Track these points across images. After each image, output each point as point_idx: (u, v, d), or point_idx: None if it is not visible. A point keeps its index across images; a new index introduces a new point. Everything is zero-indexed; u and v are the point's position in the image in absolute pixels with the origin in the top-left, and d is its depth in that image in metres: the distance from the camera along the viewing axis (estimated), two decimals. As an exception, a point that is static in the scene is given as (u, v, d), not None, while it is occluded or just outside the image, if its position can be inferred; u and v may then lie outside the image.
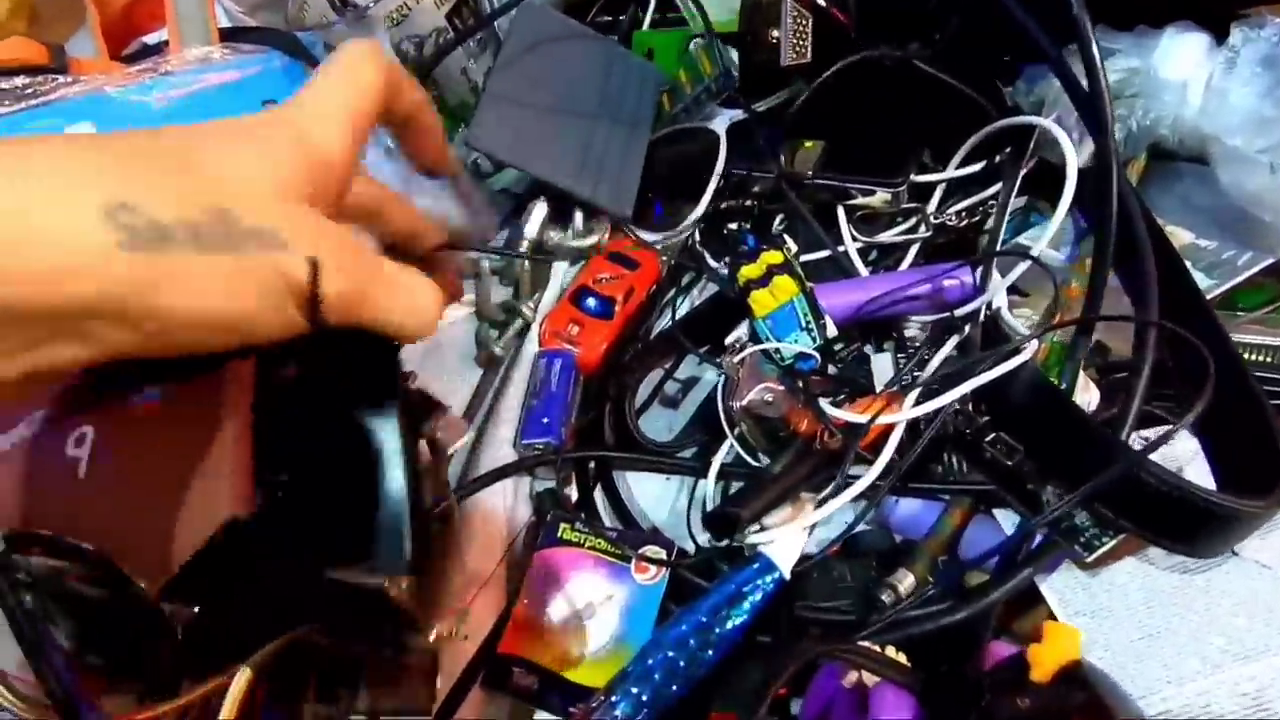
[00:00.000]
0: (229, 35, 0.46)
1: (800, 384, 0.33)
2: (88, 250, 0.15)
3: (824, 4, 0.36)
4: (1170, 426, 0.27)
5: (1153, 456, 0.26)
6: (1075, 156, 0.34)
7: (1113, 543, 0.25)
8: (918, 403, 0.31)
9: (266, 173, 0.18)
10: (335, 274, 0.18)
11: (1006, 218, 0.39)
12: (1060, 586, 0.28)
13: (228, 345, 0.18)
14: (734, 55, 0.45)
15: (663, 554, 0.30)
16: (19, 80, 0.35)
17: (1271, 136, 0.34)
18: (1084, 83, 0.33)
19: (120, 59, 0.47)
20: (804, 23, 0.37)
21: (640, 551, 0.30)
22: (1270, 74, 0.35)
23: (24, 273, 0.15)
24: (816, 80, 0.38)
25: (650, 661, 0.26)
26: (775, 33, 0.37)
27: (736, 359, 0.34)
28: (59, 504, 0.23)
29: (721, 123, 0.45)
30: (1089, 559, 0.26)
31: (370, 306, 0.19)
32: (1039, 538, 0.28)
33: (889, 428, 0.31)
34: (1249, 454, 0.26)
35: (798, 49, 0.37)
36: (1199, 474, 0.28)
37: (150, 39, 0.49)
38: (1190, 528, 0.24)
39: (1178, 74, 0.37)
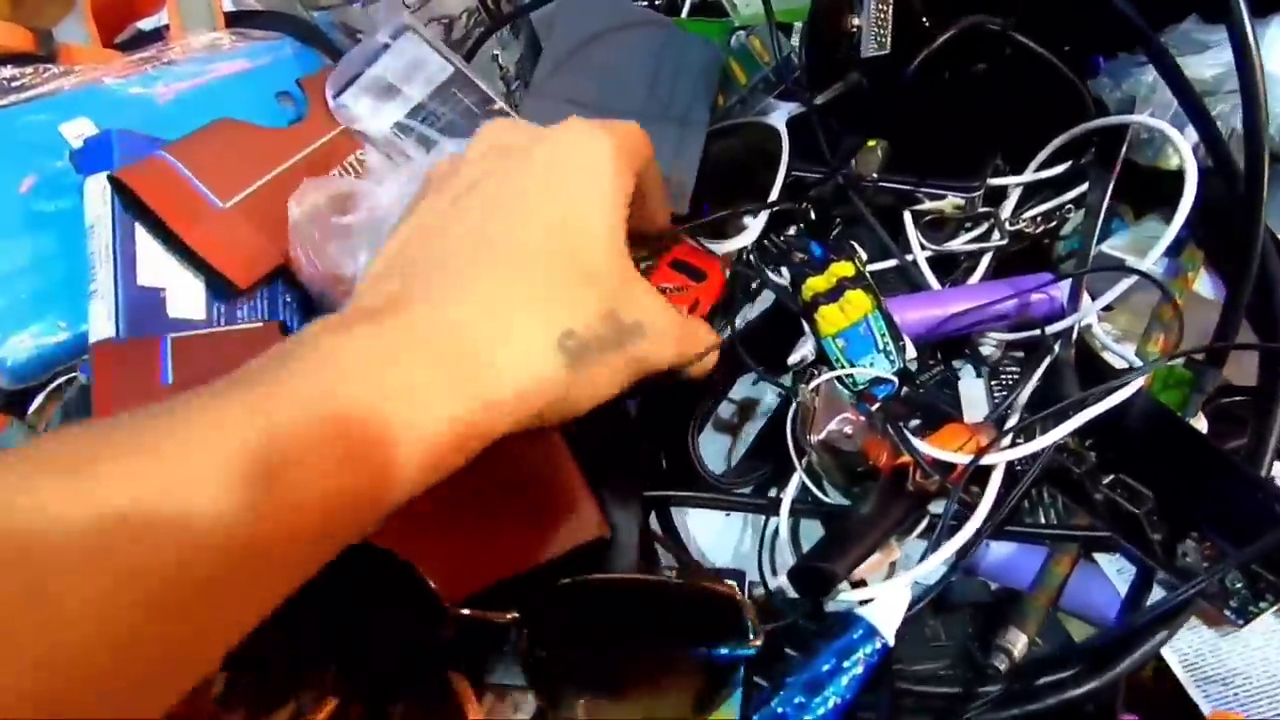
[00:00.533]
0: (234, 20, 0.42)
1: (882, 415, 0.30)
2: (546, 374, 0.19)
3: None
4: None
5: None
6: (1194, 163, 0.31)
7: (1273, 608, 0.22)
8: (1016, 435, 0.28)
9: (620, 260, 0.21)
10: (668, 349, 0.22)
11: (1097, 227, 0.35)
12: (1184, 647, 0.25)
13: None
14: (793, 42, 0.41)
15: (735, 586, 0.27)
16: (7, 71, 0.32)
17: (1400, 139, 0.31)
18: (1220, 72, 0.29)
19: (114, 47, 0.43)
20: (885, 10, 0.33)
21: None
22: (1397, 69, 0.31)
23: (490, 411, 0.18)
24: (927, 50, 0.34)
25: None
26: (856, 20, 0.33)
27: (811, 386, 0.31)
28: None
29: (780, 117, 0.41)
30: (1241, 624, 0.23)
31: (677, 363, 0.23)
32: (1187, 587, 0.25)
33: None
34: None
35: (879, 39, 0.33)
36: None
37: (145, 24, 0.45)
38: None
39: (1288, 69, 0.34)
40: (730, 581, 0.23)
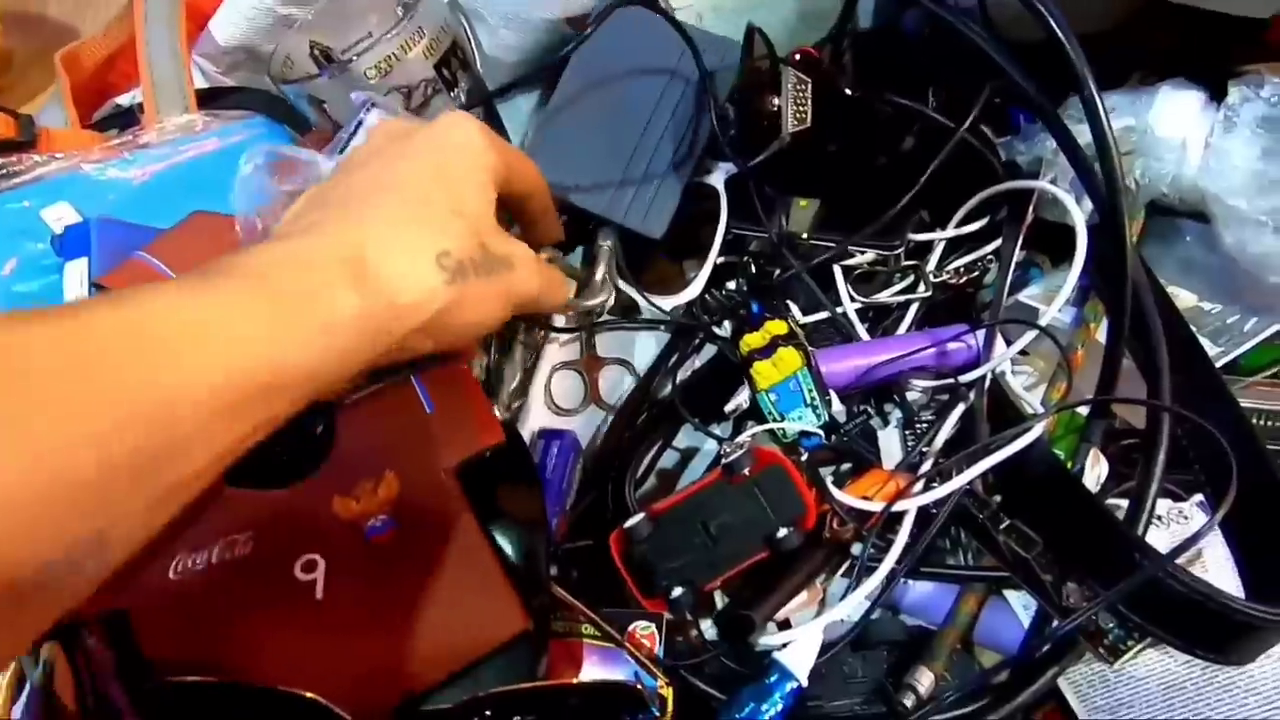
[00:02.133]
0: (206, 96, 0.45)
1: (808, 466, 0.32)
2: (426, 288, 0.23)
3: (830, 74, 0.36)
4: (1189, 528, 0.27)
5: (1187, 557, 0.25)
6: (1084, 225, 0.34)
7: (1139, 647, 0.25)
8: (928, 483, 0.31)
9: (487, 207, 0.26)
10: (533, 280, 0.26)
11: (1009, 280, 0.38)
12: (1079, 681, 0.27)
13: (469, 344, 0.27)
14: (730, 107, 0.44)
15: (652, 628, 0.29)
16: (-11, 162, 0.34)
17: (1275, 198, 0.34)
18: (1083, 150, 0.32)
19: (92, 124, 0.46)
20: (804, 89, 0.36)
21: (630, 630, 0.29)
22: (1271, 134, 0.34)
23: (390, 309, 0.22)
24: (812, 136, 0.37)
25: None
26: (776, 100, 0.36)
27: (741, 439, 0.33)
28: (295, 622, 0.25)
29: (719, 177, 0.44)
30: (1114, 664, 0.25)
31: (541, 300, 0.27)
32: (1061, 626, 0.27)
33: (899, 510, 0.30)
34: (1278, 555, 0.25)
35: (799, 115, 0.36)
36: (1218, 559, 0.27)
37: (123, 99, 0.48)
38: (1220, 637, 0.23)
39: (1175, 132, 0.37)
40: (624, 678, 0.24)
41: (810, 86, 0.36)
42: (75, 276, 0.31)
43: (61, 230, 0.32)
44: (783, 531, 0.27)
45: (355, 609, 0.26)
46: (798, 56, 0.39)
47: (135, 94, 0.47)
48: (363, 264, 0.22)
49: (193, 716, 0.22)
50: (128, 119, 0.45)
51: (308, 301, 0.20)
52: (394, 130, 0.28)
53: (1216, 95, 0.37)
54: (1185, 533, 0.29)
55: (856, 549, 0.31)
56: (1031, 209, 0.39)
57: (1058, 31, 0.30)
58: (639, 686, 0.24)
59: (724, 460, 0.30)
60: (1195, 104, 0.37)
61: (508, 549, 0.26)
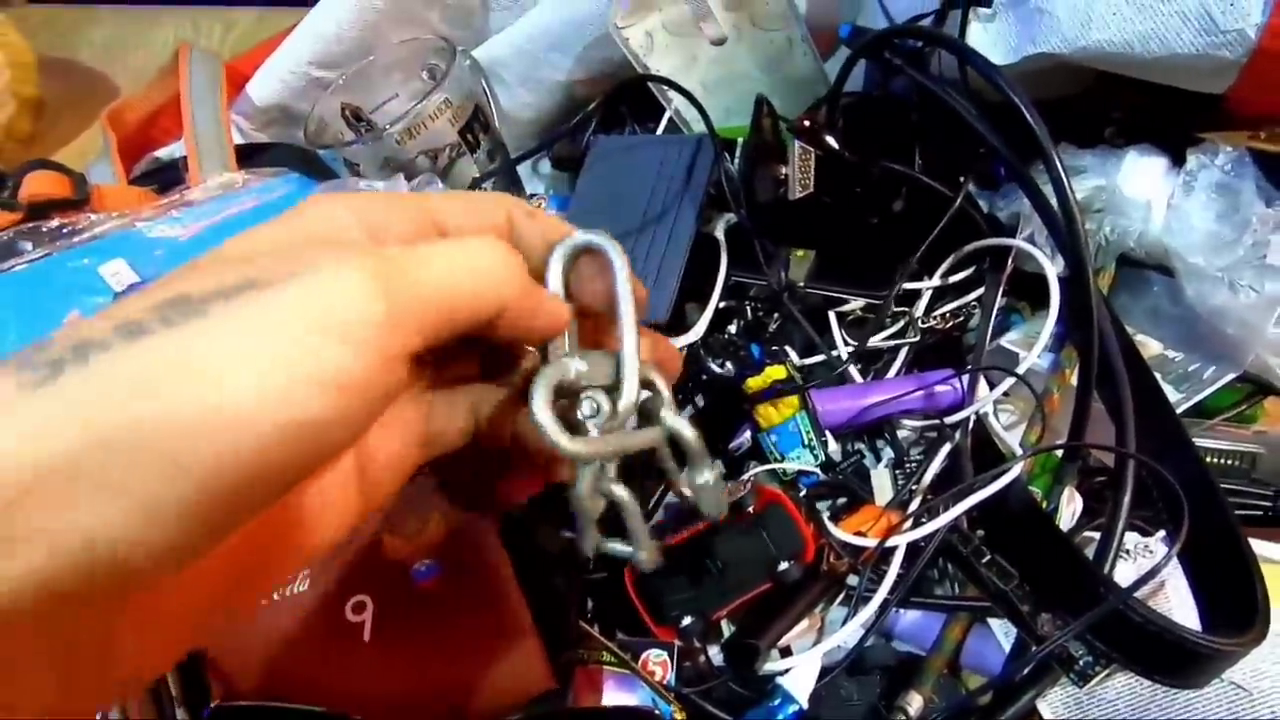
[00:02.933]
0: (246, 153, 0.48)
1: (807, 503, 0.35)
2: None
3: (833, 144, 0.39)
4: (1153, 562, 0.30)
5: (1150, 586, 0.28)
6: (1056, 278, 0.37)
7: (1105, 673, 0.27)
8: (917, 519, 0.34)
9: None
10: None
11: (990, 328, 0.41)
12: (1055, 702, 0.30)
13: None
14: (729, 159, 0.47)
15: (665, 656, 0.31)
16: (54, 222, 0.37)
17: (1229, 257, 0.37)
18: (1056, 211, 0.35)
19: (133, 178, 0.49)
20: (807, 158, 0.39)
21: (643, 658, 0.31)
22: (1224, 199, 0.38)
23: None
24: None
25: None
26: (784, 169, 0.39)
27: (744, 478, 0.36)
28: (344, 661, 0.27)
29: (719, 227, 0.48)
30: (1083, 688, 0.28)
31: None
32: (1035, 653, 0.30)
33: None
34: (1229, 589, 0.28)
35: (803, 182, 0.40)
36: (1180, 593, 0.30)
37: (162, 153, 0.51)
38: (1175, 664, 0.26)
39: (1141, 193, 0.40)
40: (642, 703, 0.26)
41: (813, 155, 0.40)
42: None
43: (122, 288, 0.35)
44: (784, 565, 0.30)
45: (399, 652, 0.28)
46: (806, 123, 0.42)
47: (173, 148, 0.50)
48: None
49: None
50: (169, 173, 0.48)
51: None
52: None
53: (1178, 160, 0.40)
54: (1150, 565, 0.32)
55: (852, 580, 0.34)
56: (1010, 261, 0.42)
57: (1024, 111, 0.33)
58: (657, 712, 0.27)
59: (730, 499, 0.33)
60: (1159, 168, 0.40)
61: (540, 599, 0.28)
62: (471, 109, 0.45)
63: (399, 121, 0.42)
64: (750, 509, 0.31)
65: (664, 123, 0.49)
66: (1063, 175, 0.32)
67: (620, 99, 0.51)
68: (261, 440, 0.12)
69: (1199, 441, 0.37)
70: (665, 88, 0.47)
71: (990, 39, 0.39)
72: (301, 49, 0.46)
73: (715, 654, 0.34)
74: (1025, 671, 0.29)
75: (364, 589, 0.29)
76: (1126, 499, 0.29)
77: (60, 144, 0.72)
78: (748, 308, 0.46)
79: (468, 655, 0.28)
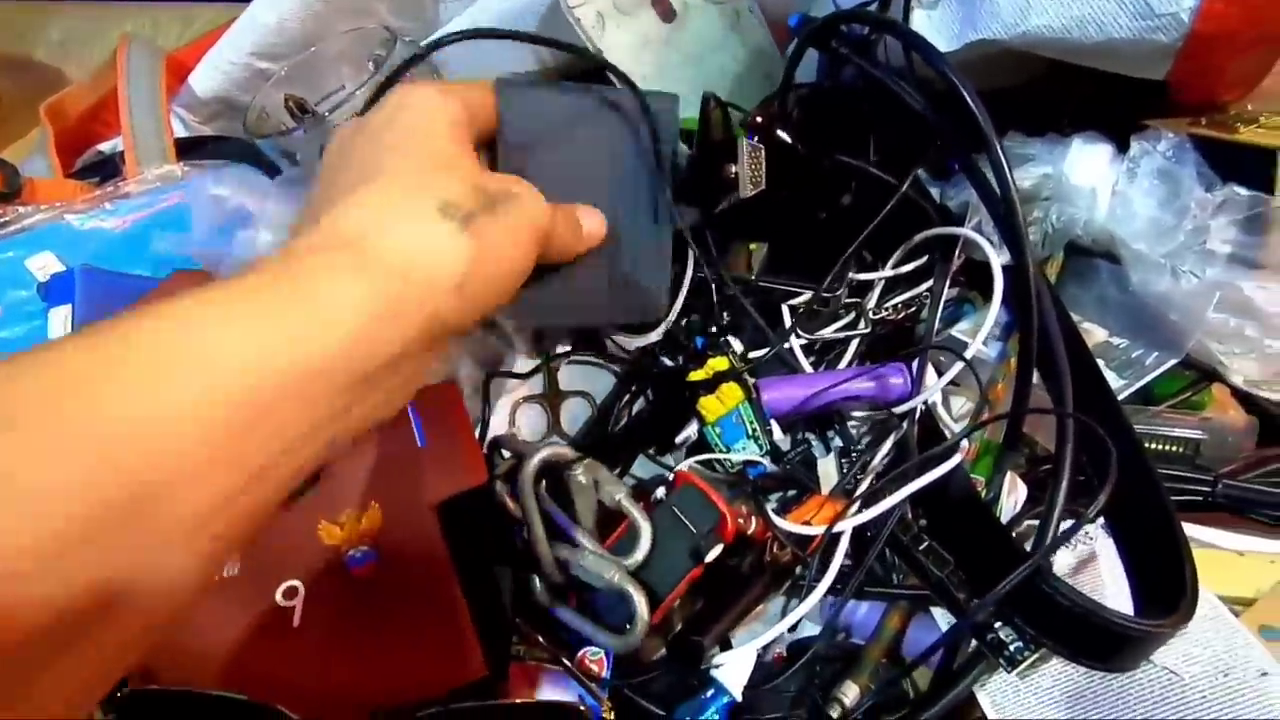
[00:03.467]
0: (186, 145, 0.47)
1: (750, 492, 0.35)
2: (440, 247, 0.22)
3: (785, 139, 0.39)
4: (1091, 548, 0.29)
5: (1079, 573, 0.28)
6: (999, 266, 0.37)
7: (1034, 657, 0.27)
8: (862, 507, 0.33)
9: (467, 154, 0.26)
10: (540, 205, 0.26)
11: (938, 317, 0.41)
12: (993, 690, 0.30)
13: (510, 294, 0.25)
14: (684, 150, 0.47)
15: (601, 653, 0.31)
16: (-22, 216, 0.36)
17: (1172, 243, 0.37)
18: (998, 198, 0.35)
19: (75, 170, 0.48)
20: (758, 155, 0.39)
21: (580, 655, 0.31)
22: (1166, 185, 0.38)
23: (407, 284, 0.21)
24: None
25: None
26: (733, 168, 0.39)
27: (681, 467, 0.35)
28: (271, 646, 0.27)
29: (682, 223, 0.47)
30: (1012, 673, 0.27)
31: (558, 231, 0.29)
32: (974, 644, 0.30)
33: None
34: (1159, 571, 0.28)
35: (754, 180, 0.39)
36: (1116, 578, 0.30)
37: (105, 147, 0.50)
38: (1102, 647, 0.26)
39: (1087, 180, 0.40)
40: (573, 700, 0.26)
41: (764, 152, 0.40)
42: (59, 322, 0.33)
43: (46, 278, 0.34)
44: (703, 543, 0.29)
45: (328, 638, 0.27)
46: (759, 120, 0.42)
47: (117, 142, 0.49)
48: (361, 248, 0.20)
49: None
50: (109, 167, 0.47)
51: (300, 299, 0.18)
52: (346, 132, 0.27)
53: (1123, 147, 0.40)
54: (1089, 553, 0.32)
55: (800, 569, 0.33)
56: (959, 250, 0.42)
57: (966, 97, 0.33)
58: (582, 708, 0.26)
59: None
60: (1104, 155, 0.40)
61: (477, 591, 0.28)
62: (415, 99, 0.44)
63: (339, 109, 0.41)
64: (663, 494, 0.31)
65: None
66: (1003, 161, 0.32)
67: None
68: None
69: (1146, 428, 0.37)
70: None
71: (933, 26, 0.39)
72: (243, 40, 0.46)
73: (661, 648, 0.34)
74: (960, 658, 0.28)
75: (295, 573, 0.28)
76: (1068, 459, 0.29)
77: (11, 139, 0.70)
78: (703, 302, 0.46)
79: (398, 642, 0.28)
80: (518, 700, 0.27)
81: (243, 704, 0.24)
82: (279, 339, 0.18)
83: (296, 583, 0.28)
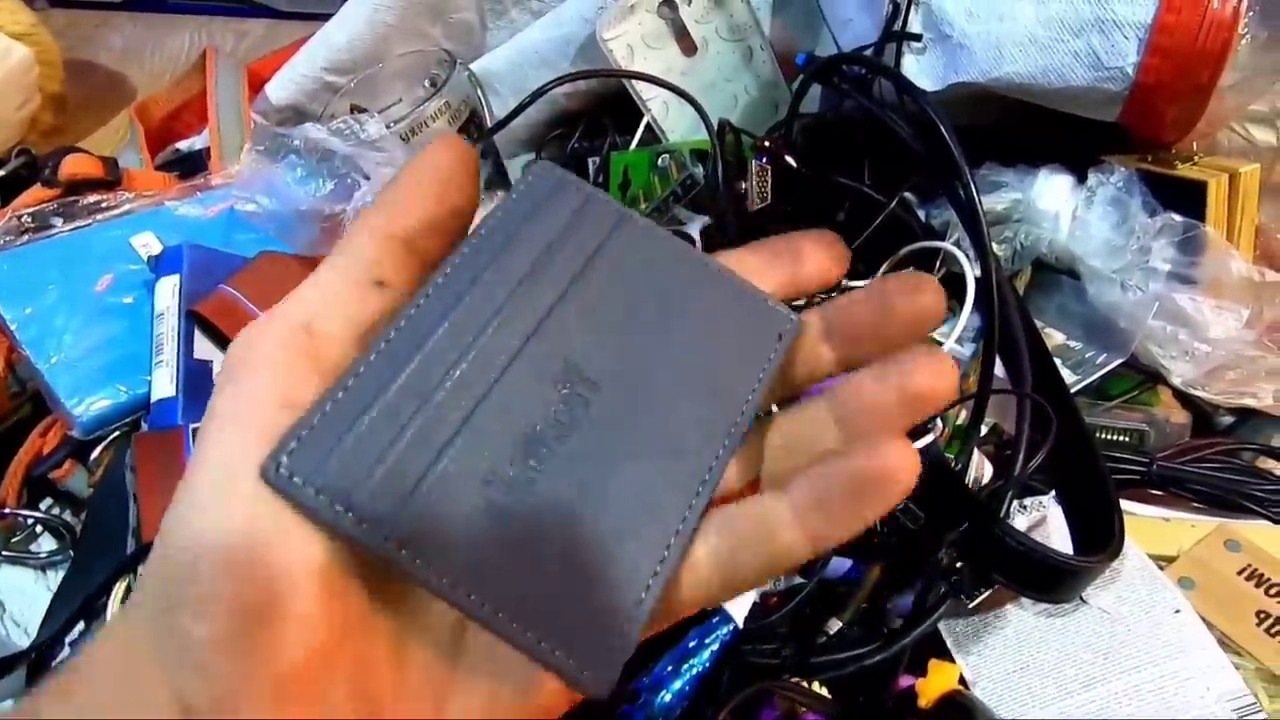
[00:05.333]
0: (260, 146, 0.53)
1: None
2: None
3: (790, 162, 0.45)
4: (1044, 514, 0.35)
5: (1035, 527, 0.33)
6: (972, 275, 0.43)
7: (988, 592, 0.32)
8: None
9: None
10: None
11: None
12: (955, 629, 0.35)
13: None
14: (701, 168, 0.53)
15: None
16: (91, 198, 0.42)
17: (1121, 261, 0.43)
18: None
19: (156, 166, 0.54)
20: (764, 174, 0.45)
21: None
22: (1117, 211, 0.44)
23: None
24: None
25: (622, 712, 0.32)
26: (743, 184, 0.45)
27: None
28: None
29: (695, 227, 0.53)
30: (970, 605, 0.33)
31: None
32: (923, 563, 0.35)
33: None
34: (1095, 520, 0.33)
35: (760, 194, 0.45)
36: (1059, 526, 0.36)
37: (183, 145, 0.56)
38: (1044, 580, 0.31)
39: (1051, 206, 0.46)
40: None
41: (770, 171, 0.46)
42: (168, 289, 0.38)
43: (154, 253, 0.40)
44: None
45: None
46: (766, 143, 0.48)
47: (194, 141, 0.56)
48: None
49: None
50: (189, 163, 0.53)
51: None
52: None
53: (1082, 178, 0.46)
54: (1040, 518, 0.37)
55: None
56: (940, 263, 0.48)
57: (942, 129, 0.39)
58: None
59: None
60: (1066, 184, 0.46)
61: None
62: (467, 114, 0.50)
63: (403, 120, 0.47)
64: None
65: (639, 132, 0.55)
66: (970, 182, 0.38)
67: (604, 110, 0.56)
68: None
69: (1098, 420, 0.43)
70: (646, 99, 0.53)
71: (921, 68, 0.46)
72: (316, 55, 0.52)
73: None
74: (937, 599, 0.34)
75: None
76: (1025, 432, 0.34)
77: (79, 138, 0.76)
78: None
79: None
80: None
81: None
82: None
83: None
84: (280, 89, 0.53)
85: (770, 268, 0.20)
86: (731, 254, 0.20)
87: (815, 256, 0.20)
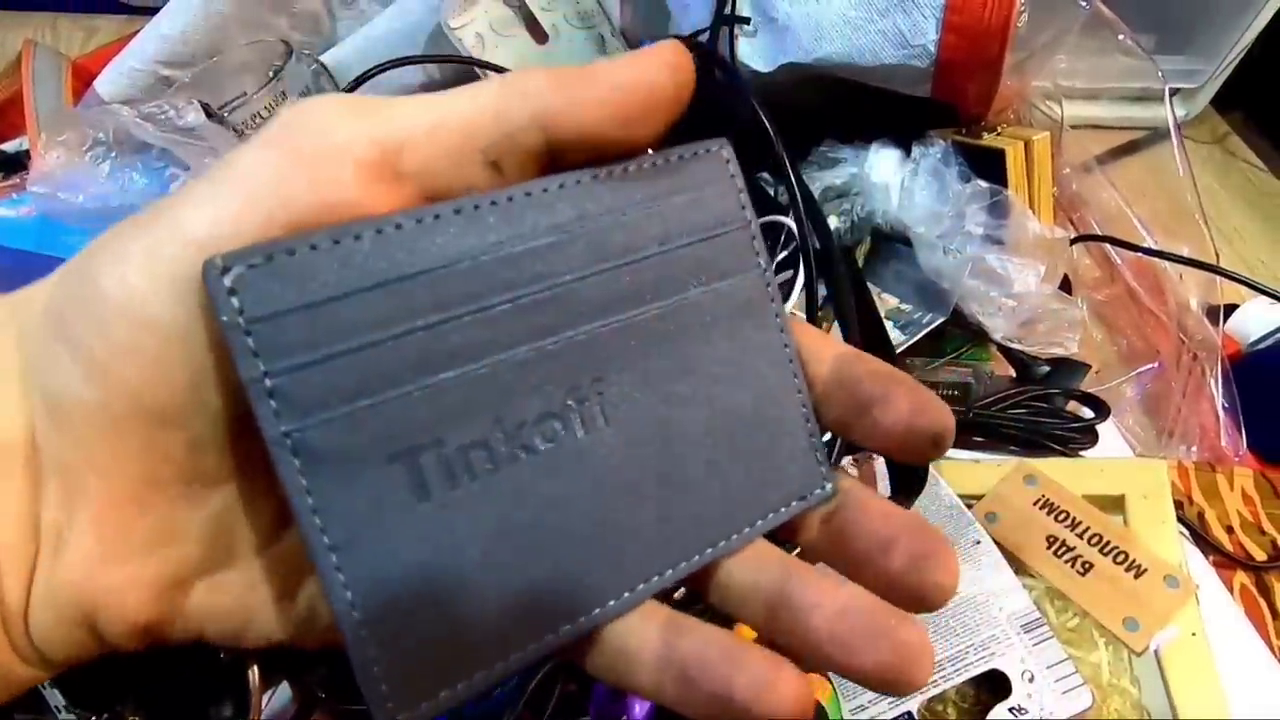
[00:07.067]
0: (92, 145, 0.50)
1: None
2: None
3: None
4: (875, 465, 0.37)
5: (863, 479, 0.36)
6: (806, 245, 0.45)
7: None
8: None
9: (377, 200, 0.14)
10: None
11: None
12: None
13: None
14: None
15: None
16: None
17: (943, 227, 0.46)
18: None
19: (-21, 168, 0.50)
20: None
21: None
22: (938, 181, 0.47)
23: None
24: None
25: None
26: None
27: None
28: None
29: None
30: (794, 554, 0.35)
31: None
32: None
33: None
34: (907, 474, 0.36)
35: None
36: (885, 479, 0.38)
37: (8, 147, 0.53)
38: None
39: (882, 178, 0.49)
40: None
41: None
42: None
43: (-47, 261, 0.38)
44: None
45: None
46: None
47: (20, 142, 0.52)
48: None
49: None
50: (12, 164, 0.50)
51: None
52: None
53: (909, 152, 0.49)
54: (869, 472, 0.39)
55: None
56: (784, 236, 0.50)
57: (769, 130, 0.41)
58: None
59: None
60: (895, 158, 0.49)
61: None
62: (310, 104, 0.49)
63: (235, 111, 0.46)
64: None
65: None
66: (786, 163, 0.40)
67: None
68: None
69: (929, 377, 0.46)
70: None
71: (754, 50, 0.47)
72: (148, 48, 0.50)
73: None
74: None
75: None
76: None
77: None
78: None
79: None
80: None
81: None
82: None
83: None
84: (110, 84, 0.50)
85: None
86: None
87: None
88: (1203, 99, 0.69)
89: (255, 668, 0.26)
